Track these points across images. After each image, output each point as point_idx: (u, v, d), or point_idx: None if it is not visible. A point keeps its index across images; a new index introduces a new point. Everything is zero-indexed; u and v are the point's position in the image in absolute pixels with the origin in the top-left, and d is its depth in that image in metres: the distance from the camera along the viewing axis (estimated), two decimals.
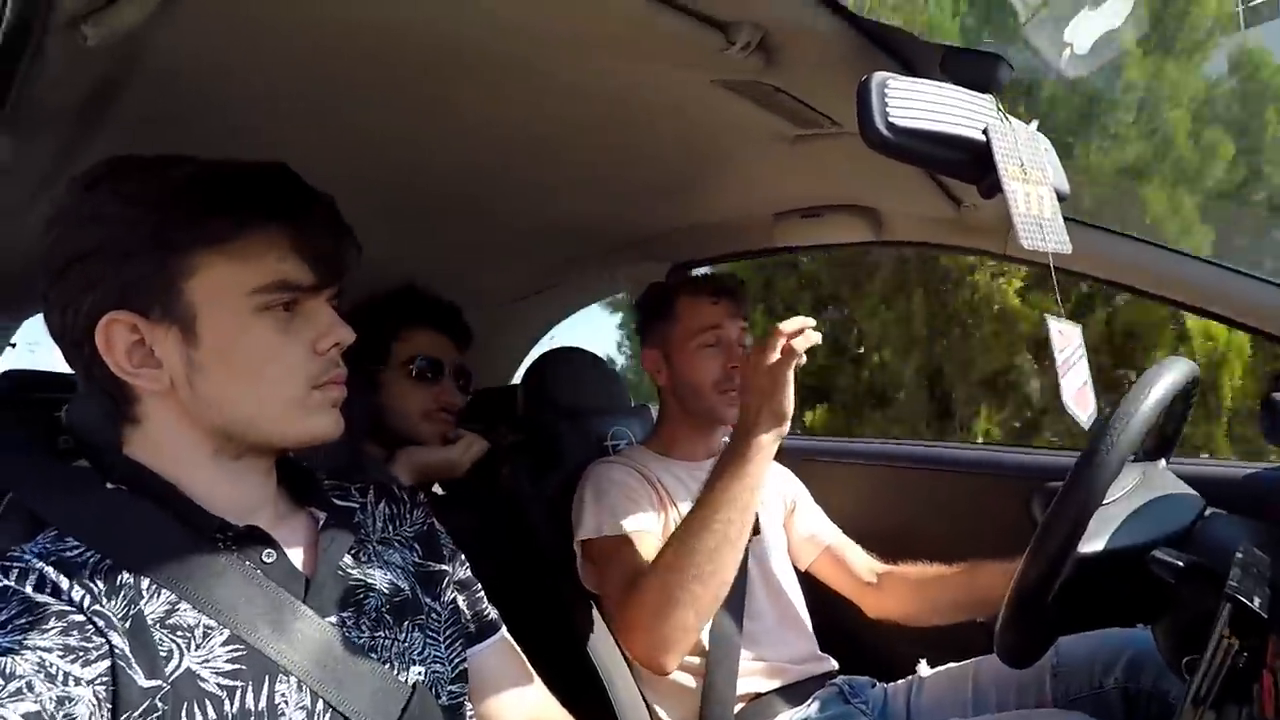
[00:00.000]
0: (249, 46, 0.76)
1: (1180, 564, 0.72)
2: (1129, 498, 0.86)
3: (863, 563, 1.32)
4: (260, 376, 0.60)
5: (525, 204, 1.35)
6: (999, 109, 0.68)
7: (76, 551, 0.55)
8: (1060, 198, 0.71)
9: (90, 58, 0.66)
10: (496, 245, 1.56)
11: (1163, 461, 0.99)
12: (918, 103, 0.63)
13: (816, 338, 0.95)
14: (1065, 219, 0.68)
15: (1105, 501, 0.80)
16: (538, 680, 0.82)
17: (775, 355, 0.93)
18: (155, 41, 0.69)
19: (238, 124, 0.89)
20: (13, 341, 1.60)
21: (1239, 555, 0.66)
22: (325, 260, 0.62)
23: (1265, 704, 0.55)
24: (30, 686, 0.46)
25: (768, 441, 0.95)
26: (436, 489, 1.48)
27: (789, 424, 0.96)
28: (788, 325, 0.94)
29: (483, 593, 0.81)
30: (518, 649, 0.82)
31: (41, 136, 0.81)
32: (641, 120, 1.01)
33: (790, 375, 0.94)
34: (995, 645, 0.82)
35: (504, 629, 0.82)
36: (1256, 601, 0.59)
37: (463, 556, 0.81)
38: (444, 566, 0.76)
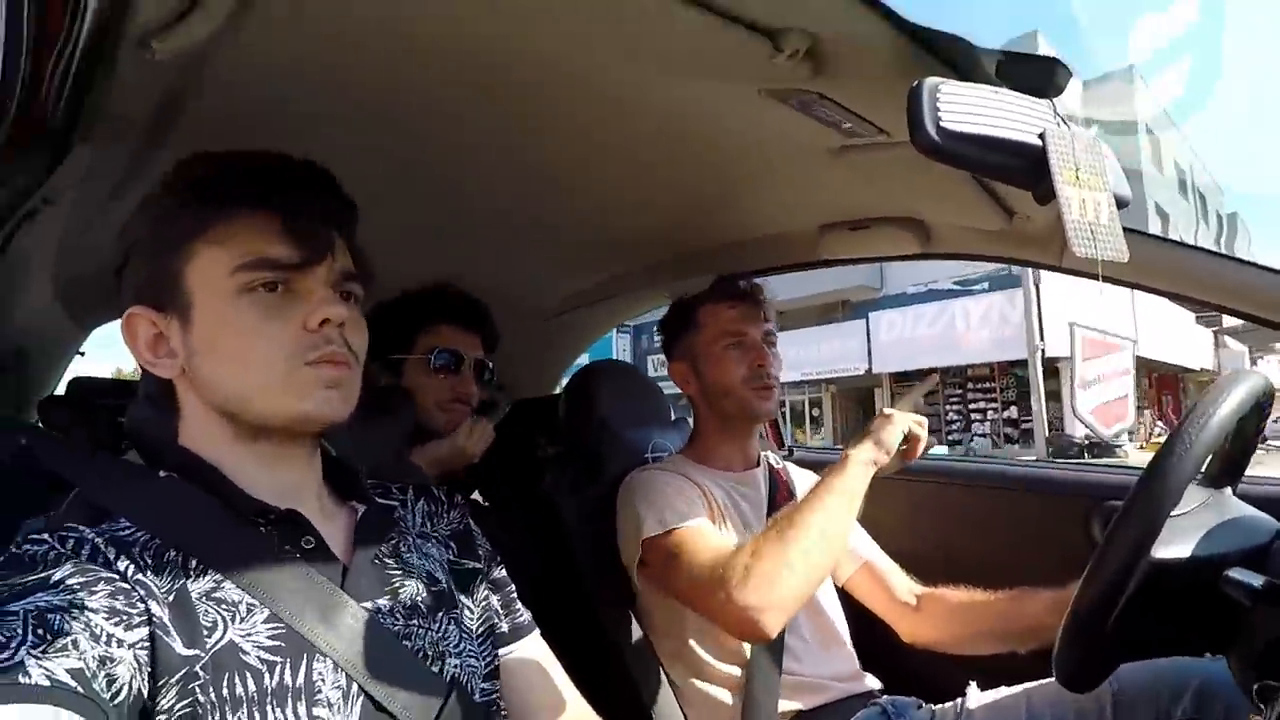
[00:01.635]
0: (309, 60, 0.79)
1: (1257, 585, 0.68)
2: (1199, 514, 0.82)
3: (902, 583, 1.29)
4: (245, 356, 0.61)
5: (572, 218, 1.37)
6: (1056, 114, 0.66)
7: (129, 531, 0.58)
8: (1121, 204, 0.68)
9: (158, 72, 0.69)
10: (543, 259, 1.57)
11: (1229, 489, 0.94)
12: (970, 107, 0.61)
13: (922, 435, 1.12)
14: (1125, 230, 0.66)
15: (1177, 513, 0.77)
16: (570, 685, 0.82)
17: (905, 428, 1.09)
18: (219, 56, 0.72)
19: (299, 135, 0.91)
20: (81, 350, 1.67)
21: None
22: (309, 237, 0.62)
23: None
24: (76, 644, 0.48)
25: (861, 459, 1.05)
26: (478, 497, 1.50)
27: (884, 457, 1.07)
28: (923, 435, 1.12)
29: (516, 595, 0.81)
30: (550, 653, 0.82)
31: (114, 147, 0.85)
32: (688, 133, 1.02)
33: (901, 434, 1.08)
34: (1054, 664, 0.78)
35: (537, 631, 0.82)
36: None
37: (498, 558, 0.81)
38: (478, 565, 0.77)
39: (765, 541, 1.00)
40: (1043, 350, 13.06)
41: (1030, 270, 12.50)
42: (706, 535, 1.09)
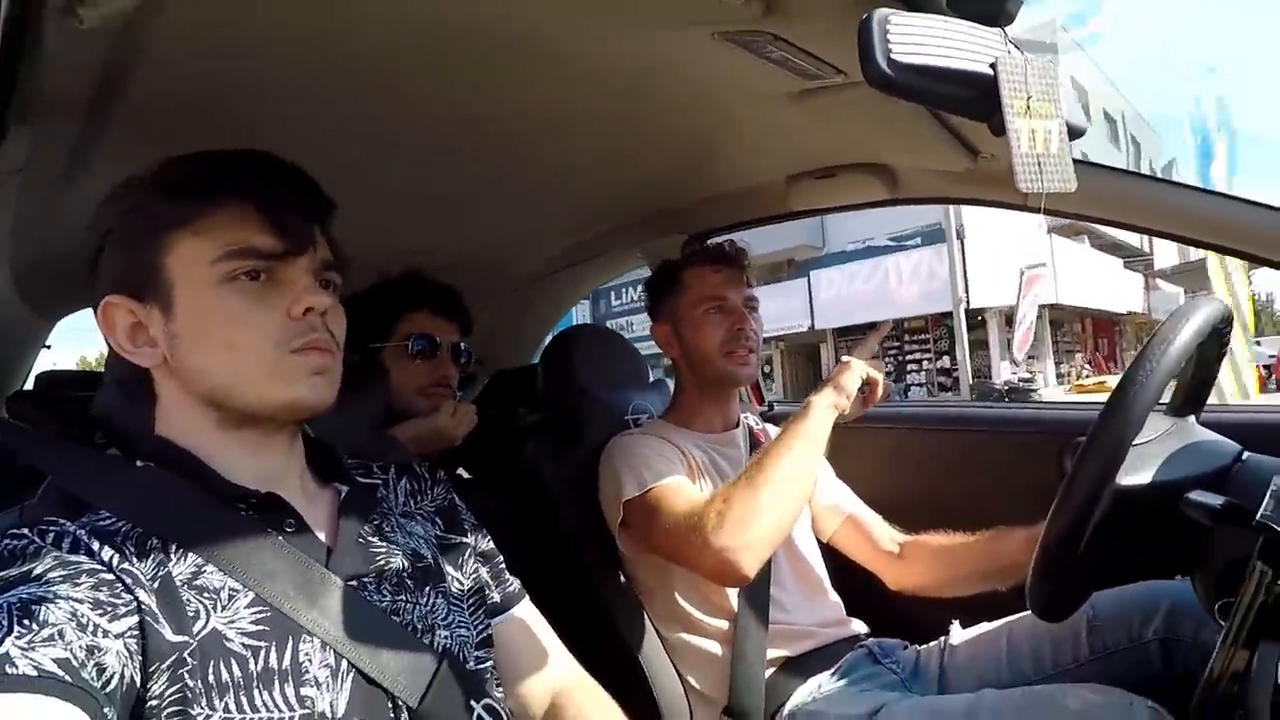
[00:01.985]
0: (251, 30, 0.76)
1: (1216, 505, 0.69)
2: (1160, 443, 0.83)
3: (884, 533, 1.31)
4: (230, 344, 0.61)
5: (540, 184, 1.35)
6: (1008, 41, 0.65)
7: (109, 521, 0.58)
8: (1074, 134, 0.68)
9: (90, 42, 0.66)
10: (513, 226, 1.56)
11: (1192, 417, 0.95)
12: (921, 38, 0.60)
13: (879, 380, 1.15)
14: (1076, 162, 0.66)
15: (1140, 441, 0.78)
16: (563, 649, 0.83)
17: (864, 374, 1.12)
18: (156, 24, 0.69)
19: (250, 109, 0.89)
20: (48, 344, 1.64)
21: (1273, 487, 0.64)
22: (292, 228, 0.63)
23: None
24: (61, 634, 0.48)
25: (823, 404, 1.10)
26: (462, 472, 1.50)
27: (845, 402, 1.11)
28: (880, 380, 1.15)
29: (504, 565, 0.82)
30: (542, 619, 0.83)
31: (56, 129, 0.83)
32: (647, 86, 1.00)
33: (859, 379, 1.12)
34: (1028, 598, 0.80)
35: (527, 599, 0.83)
36: None
37: (485, 530, 0.82)
38: (465, 539, 0.78)
39: (736, 488, 1.03)
40: (966, 302, 13.34)
41: (954, 223, 12.77)
42: (684, 489, 1.11)
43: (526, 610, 0.82)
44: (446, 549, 0.75)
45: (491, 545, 0.82)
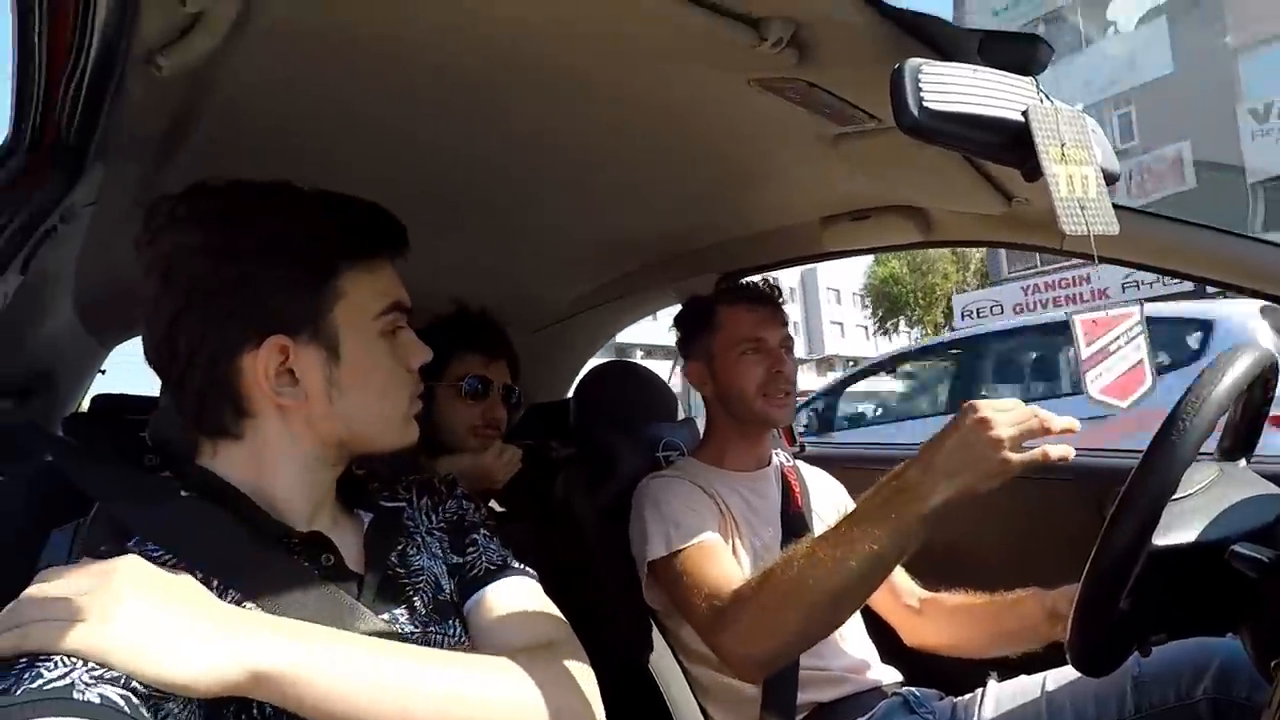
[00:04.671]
0: (311, 70, 0.81)
1: (1263, 558, 0.67)
2: (1206, 493, 0.81)
3: (906, 586, 1.28)
4: (385, 393, 0.67)
5: (576, 219, 1.38)
6: (1039, 90, 0.66)
7: (156, 554, 0.59)
8: (1110, 179, 0.69)
9: (166, 88, 0.71)
10: (549, 261, 1.59)
11: (1243, 461, 0.93)
12: (953, 87, 0.62)
13: (1067, 451, 0.78)
14: (1115, 206, 0.66)
15: (1180, 495, 0.76)
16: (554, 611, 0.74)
17: (1011, 431, 0.78)
18: (224, 71, 0.74)
19: (306, 144, 0.95)
20: (103, 368, 1.71)
21: None
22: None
23: None
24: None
25: (922, 486, 0.81)
26: (494, 505, 1.51)
27: (956, 491, 0.81)
28: (1057, 421, 0.78)
29: (482, 545, 0.75)
30: (519, 595, 0.73)
31: (127, 166, 0.88)
32: (684, 127, 1.03)
33: (1006, 462, 0.79)
34: (1067, 651, 0.78)
35: (502, 579, 0.73)
36: None
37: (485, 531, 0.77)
38: (466, 558, 0.74)
39: (768, 582, 0.91)
40: None
41: None
42: (713, 555, 1.08)
43: (510, 582, 0.73)
44: (452, 570, 0.73)
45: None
